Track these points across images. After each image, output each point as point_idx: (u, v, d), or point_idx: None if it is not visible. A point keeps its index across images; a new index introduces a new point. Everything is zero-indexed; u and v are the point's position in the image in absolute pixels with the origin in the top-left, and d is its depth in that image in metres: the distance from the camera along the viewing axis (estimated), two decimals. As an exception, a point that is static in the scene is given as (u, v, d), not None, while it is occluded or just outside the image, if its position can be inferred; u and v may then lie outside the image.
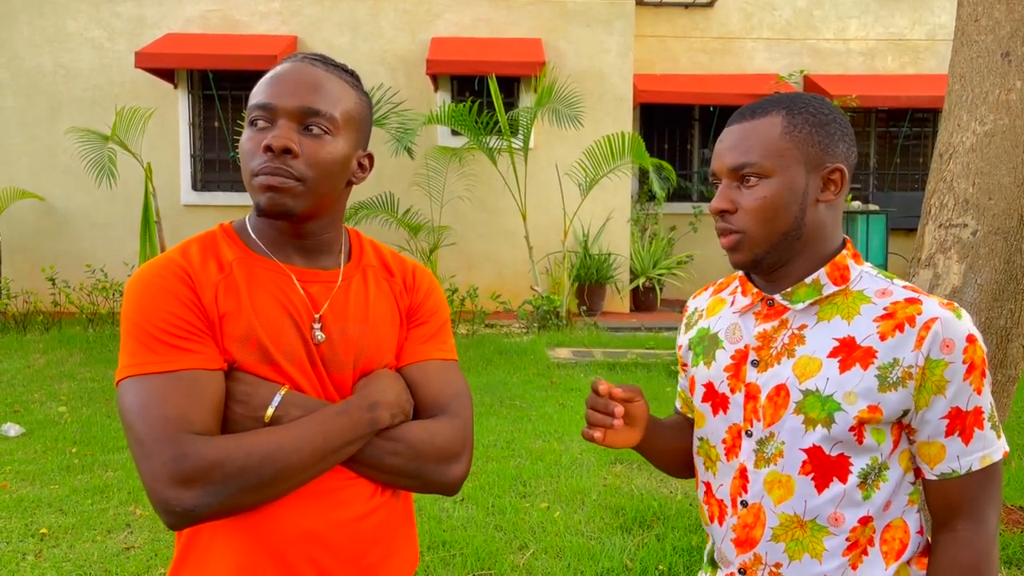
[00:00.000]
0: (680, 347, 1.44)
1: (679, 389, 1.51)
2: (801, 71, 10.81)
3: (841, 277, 1.23)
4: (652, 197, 9.95)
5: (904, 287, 1.22)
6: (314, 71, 1.20)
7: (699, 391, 1.33)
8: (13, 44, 9.37)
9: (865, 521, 1.19)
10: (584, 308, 9.25)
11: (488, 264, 9.69)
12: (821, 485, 1.19)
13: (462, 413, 1.26)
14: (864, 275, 1.25)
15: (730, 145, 1.23)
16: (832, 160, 1.21)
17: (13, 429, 5.11)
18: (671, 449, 1.42)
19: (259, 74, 9.32)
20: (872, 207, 9.96)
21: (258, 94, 1.19)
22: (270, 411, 1.13)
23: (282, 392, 1.14)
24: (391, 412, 1.19)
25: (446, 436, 1.22)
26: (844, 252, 1.25)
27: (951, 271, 2.66)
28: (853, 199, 10.17)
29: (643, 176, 10.03)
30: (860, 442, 1.17)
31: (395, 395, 1.21)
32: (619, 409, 1.24)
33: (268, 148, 1.15)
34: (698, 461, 1.36)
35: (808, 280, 1.23)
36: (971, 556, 1.18)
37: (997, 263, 2.60)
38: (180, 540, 1.20)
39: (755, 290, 1.28)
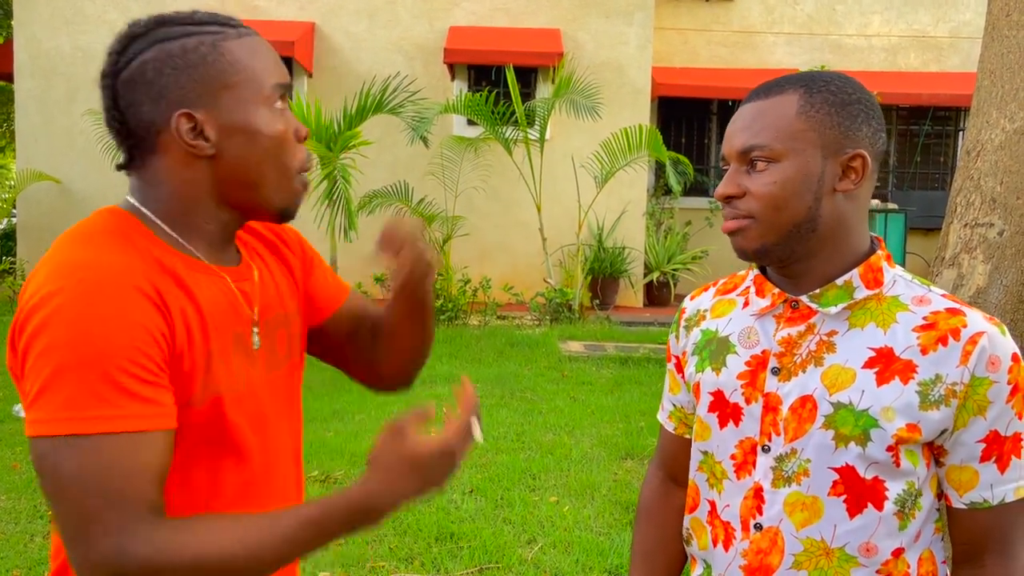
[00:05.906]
0: (678, 356, 1.28)
1: (677, 405, 1.33)
2: (822, 66, 10.68)
3: (875, 280, 1.11)
4: (668, 191, 9.86)
5: (943, 295, 1.11)
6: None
7: (705, 400, 1.19)
8: (31, 25, 9.39)
9: (898, 553, 1.08)
10: (597, 301, 9.21)
11: (501, 255, 9.65)
12: (854, 510, 1.07)
13: None
14: (898, 279, 1.13)
15: (742, 126, 1.11)
16: (853, 145, 1.08)
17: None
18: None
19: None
20: (891, 206, 9.86)
21: (273, 71, 1.01)
22: None
23: None
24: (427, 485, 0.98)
25: None
26: (879, 252, 1.13)
27: (976, 271, 2.60)
28: (872, 197, 10.07)
29: (659, 170, 9.96)
30: (897, 464, 1.06)
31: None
32: None
33: (303, 139, 1.03)
34: (700, 478, 1.22)
35: (840, 281, 1.10)
36: None
37: None
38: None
39: (775, 291, 1.14)
